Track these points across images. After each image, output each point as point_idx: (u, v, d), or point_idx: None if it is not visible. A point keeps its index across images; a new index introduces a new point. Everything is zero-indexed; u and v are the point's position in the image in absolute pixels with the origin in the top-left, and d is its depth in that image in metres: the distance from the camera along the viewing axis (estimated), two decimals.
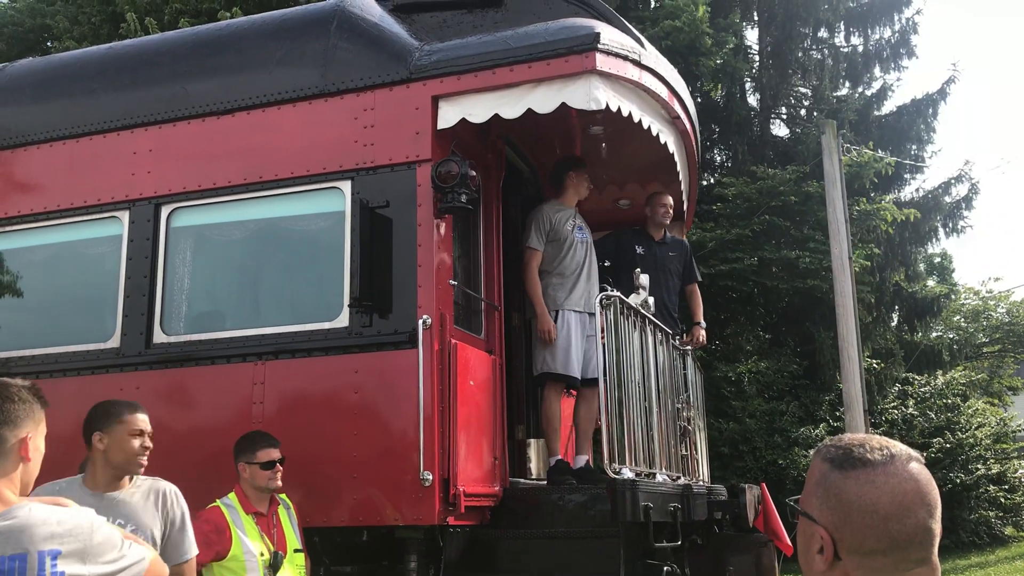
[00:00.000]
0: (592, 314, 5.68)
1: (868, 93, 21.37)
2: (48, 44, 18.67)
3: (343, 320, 5.14)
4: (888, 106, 21.30)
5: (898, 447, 1.52)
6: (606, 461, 4.74)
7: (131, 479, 3.66)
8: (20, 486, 2.29)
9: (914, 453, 1.52)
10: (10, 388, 2.34)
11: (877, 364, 18.45)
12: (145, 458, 3.67)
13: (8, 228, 6.04)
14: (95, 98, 6.01)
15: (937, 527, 1.47)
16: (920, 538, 1.44)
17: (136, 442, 3.60)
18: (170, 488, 3.68)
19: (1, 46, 19.30)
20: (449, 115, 5.21)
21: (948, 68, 37.14)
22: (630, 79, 5.39)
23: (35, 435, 2.34)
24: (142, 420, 3.68)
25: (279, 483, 4.43)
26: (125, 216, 5.72)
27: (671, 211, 7.03)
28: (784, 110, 22.15)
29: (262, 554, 4.20)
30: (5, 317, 6.07)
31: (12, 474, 2.26)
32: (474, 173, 5.03)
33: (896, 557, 1.43)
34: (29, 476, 2.33)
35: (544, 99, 5.11)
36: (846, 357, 12.88)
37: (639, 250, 6.84)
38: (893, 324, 20.95)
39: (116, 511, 3.51)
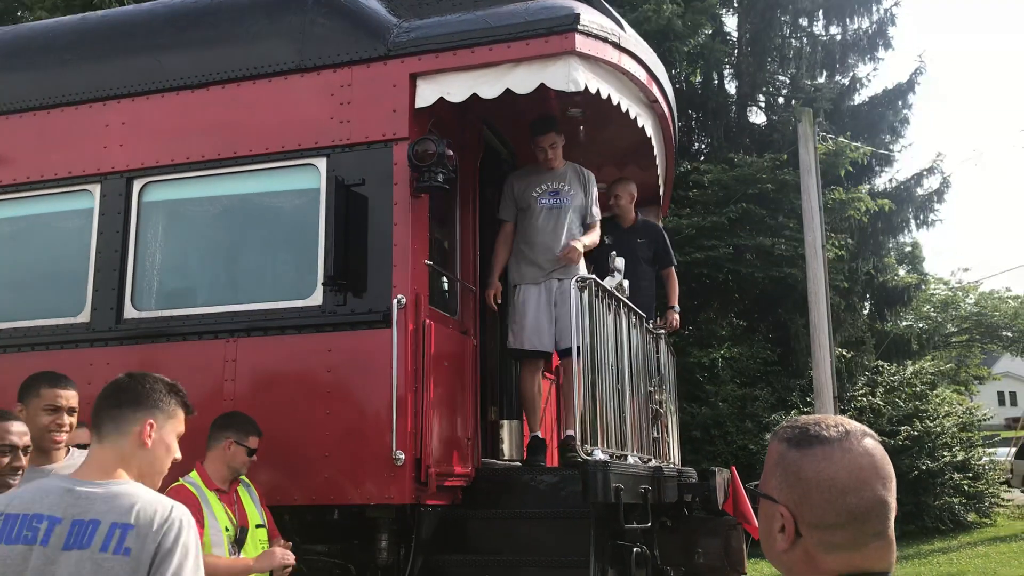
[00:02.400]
0: (562, 280, 5.67)
1: (843, 82, 21.52)
2: (19, 13, 18.32)
3: (317, 298, 5.11)
4: (862, 96, 21.47)
5: (852, 424, 1.55)
6: (578, 442, 4.76)
7: (67, 451, 3.62)
8: (137, 471, 2.37)
9: (868, 430, 1.56)
10: (146, 377, 2.49)
11: (847, 352, 18.65)
12: (60, 435, 3.60)
13: None
14: (67, 69, 5.91)
15: (892, 500, 1.50)
16: (877, 511, 1.47)
17: (47, 418, 3.53)
18: None
19: None
20: (427, 94, 5.17)
21: (915, 59, 37.45)
22: (609, 61, 5.38)
23: (163, 427, 2.43)
24: (62, 396, 3.60)
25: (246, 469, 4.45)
26: (96, 189, 5.64)
27: (630, 198, 7.00)
28: (762, 97, 22.24)
29: (227, 529, 4.18)
30: None
31: (127, 454, 2.37)
32: (451, 152, 5.00)
33: (855, 530, 1.46)
34: (149, 464, 2.41)
35: (523, 79, 5.08)
36: (817, 344, 13.00)
37: (607, 240, 6.79)
38: (864, 313, 21.19)
39: None
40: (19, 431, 3.23)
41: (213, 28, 5.73)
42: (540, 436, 5.93)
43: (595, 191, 6.20)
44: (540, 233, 5.95)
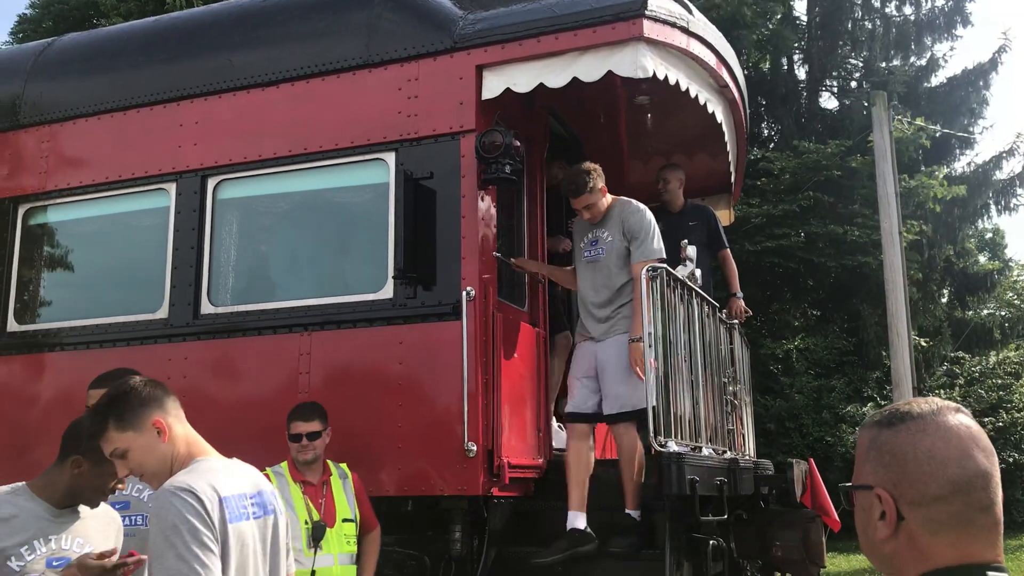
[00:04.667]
0: (600, 340, 5.18)
1: (919, 64, 20.85)
2: (95, 21, 18.87)
3: (387, 291, 5.14)
4: (939, 77, 20.77)
5: (943, 401, 1.48)
6: (652, 435, 4.69)
7: None
8: None
9: (960, 406, 1.49)
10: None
11: (925, 342, 18.13)
12: None
13: (58, 200, 6.11)
14: (142, 71, 6.04)
15: (996, 473, 1.42)
16: (981, 482, 1.39)
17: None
18: None
19: (48, 23, 19.57)
20: (493, 85, 5.15)
21: (999, 37, 36.07)
22: (678, 46, 5.29)
23: None
24: (91, 396, 3.64)
25: (308, 456, 4.39)
26: (172, 188, 5.76)
27: (679, 183, 6.71)
28: (833, 82, 21.71)
29: (306, 522, 4.22)
30: (56, 288, 6.17)
31: None
32: (518, 143, 4.97)
33: (960, 503, 1.37)
34: None
35: (590, 67, 5.02)
36: (895, 333, 12.63)
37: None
38: (943, 300, 20.55)
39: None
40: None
41: (282, 26, 5.80)
42: (579, 528, 4.83)
43: (640, 225, 5.23)
44: (582, 288, 5.38)
